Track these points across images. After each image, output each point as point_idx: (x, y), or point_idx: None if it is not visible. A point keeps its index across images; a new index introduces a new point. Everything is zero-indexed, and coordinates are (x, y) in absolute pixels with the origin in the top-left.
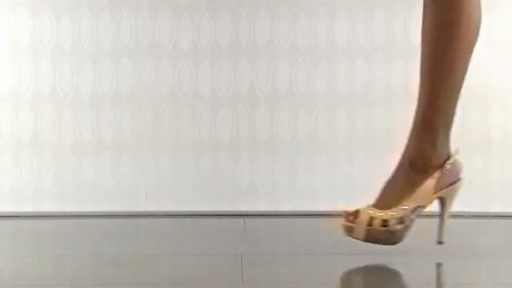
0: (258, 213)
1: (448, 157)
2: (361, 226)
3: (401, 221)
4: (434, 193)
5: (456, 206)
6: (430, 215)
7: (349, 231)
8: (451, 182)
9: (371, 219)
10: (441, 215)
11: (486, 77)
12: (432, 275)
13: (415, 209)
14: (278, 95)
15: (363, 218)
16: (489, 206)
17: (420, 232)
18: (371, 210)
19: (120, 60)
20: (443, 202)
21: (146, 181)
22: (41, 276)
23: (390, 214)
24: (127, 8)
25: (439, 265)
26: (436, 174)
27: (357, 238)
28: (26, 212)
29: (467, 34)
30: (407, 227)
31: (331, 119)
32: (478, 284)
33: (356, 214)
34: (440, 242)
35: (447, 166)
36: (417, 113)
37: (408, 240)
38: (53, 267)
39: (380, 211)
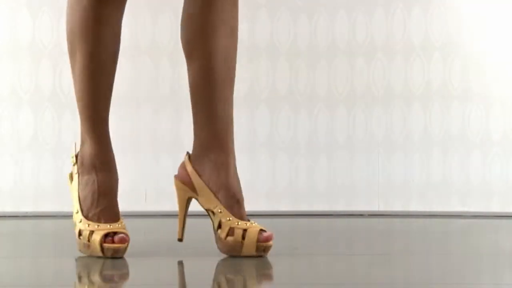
0: (258, 213)
1: None
2: (253, 243)
3: None
4: None
5: (456, 206)
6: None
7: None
8: None
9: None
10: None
11: (486, 77)
12: (432, 275)
13: None
14: (278, 95)
15: (254, 234)
16: (489, 206)
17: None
18: (254, 224)
19: (120, 60)
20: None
21: (146, 181)
22: (41, 277)
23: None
24: (127, 8)
25: (440, 264)
26: None
27: (250, 255)
28: (26, 212)
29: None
30: None
31: (331, 119)
32: (479, 284)
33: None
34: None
35: None
36: (212, 132)
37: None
38: (53, 268)
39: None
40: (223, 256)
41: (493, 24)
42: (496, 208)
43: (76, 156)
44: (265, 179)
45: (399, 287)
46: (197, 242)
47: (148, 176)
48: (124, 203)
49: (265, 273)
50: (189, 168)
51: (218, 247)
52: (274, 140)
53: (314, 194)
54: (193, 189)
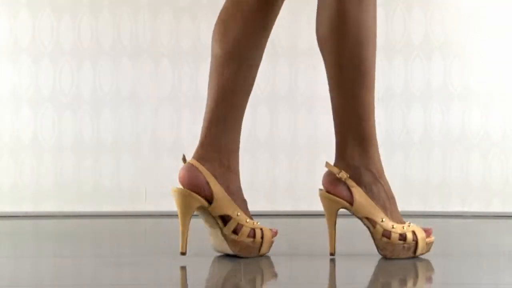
0: (258, 213)
1: None
2: (269, 241)
3: None
4: None
5: (456, 206)
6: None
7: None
8: None
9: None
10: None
11: (486, 77)
12: (432, 275)
13: None
14: (278, 95)
15: (269, 232)
16: (488, 206)
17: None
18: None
19: (120, 60)
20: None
21: (146, 181)
22: (41, 277)
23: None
24: (127, 8)
25: (445, 264)
26: None
27: (264, 254)
28: (26, 212)
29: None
30: None
31: (331, 119)
32: (479, 284)
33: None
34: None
35: None
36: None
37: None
38: (53, 268)
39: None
40: (223, 255)
41: (493, 24)
42: (496, 208)
43: None
44: (265, 179)
45: (399, 287)
46: (197, 242)
47: (148, 176)
48: (124, 203)
49: (265, 273)
50: (207, 173)
51: (232, 250)
52: (274, 140)
53: (314, 194)
54: (206, 196)
